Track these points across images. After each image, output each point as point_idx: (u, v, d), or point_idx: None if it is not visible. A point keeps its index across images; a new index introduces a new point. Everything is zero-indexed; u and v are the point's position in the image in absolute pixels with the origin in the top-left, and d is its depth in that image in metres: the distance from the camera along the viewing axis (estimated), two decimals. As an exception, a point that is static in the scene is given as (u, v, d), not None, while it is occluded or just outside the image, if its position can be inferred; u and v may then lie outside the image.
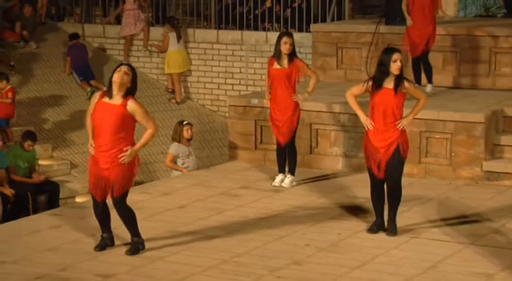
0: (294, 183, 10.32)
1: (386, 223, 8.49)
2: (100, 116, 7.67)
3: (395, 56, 8.24)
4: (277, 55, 10.08)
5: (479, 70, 12.54)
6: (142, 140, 7.75)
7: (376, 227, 8.55)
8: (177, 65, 16.04)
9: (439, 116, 10.61)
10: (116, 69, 7.71)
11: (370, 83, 8.38)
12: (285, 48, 9.99)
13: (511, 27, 12.64)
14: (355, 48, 13.29)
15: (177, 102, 16.10)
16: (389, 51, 8.37)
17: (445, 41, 12.60)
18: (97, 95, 7.81)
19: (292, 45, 10.03)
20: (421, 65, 11.86)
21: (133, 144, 7.74)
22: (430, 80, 11.91)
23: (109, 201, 7.85)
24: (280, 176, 10.38)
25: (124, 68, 7.68)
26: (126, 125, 7.67)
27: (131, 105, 7.64)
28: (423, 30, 11.67)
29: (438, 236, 8.46)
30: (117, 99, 7.65)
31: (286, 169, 10.34)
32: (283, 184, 10.26)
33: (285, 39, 10.01)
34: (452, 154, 10.57)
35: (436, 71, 12.27)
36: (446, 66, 12.55)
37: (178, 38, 15.98)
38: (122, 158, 7.65)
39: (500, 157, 10.61)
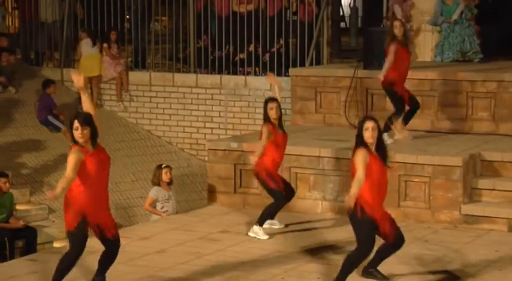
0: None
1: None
2: None
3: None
4: (270, 122, 9.80)
5: (456, 114, 12.63)
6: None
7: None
8: (90, 68, 16.08)
9: (418, 160, 10.65)
10: None
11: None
12: (272, 113, 9.76)
13: (488, 72, 12.77)
14: (334, 93, 13.36)
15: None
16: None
17: (422, 86, 12.71)
18: None
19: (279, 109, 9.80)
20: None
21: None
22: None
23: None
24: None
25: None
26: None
27: None
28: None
29: None
30: None
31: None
32: None
33: (269, 105, 9.78)
34: (431, 197, 10.60)
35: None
36: (424, 110, 12.62)
37: (93, 42, 16.29)
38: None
39: (478, 200, 10.65)
